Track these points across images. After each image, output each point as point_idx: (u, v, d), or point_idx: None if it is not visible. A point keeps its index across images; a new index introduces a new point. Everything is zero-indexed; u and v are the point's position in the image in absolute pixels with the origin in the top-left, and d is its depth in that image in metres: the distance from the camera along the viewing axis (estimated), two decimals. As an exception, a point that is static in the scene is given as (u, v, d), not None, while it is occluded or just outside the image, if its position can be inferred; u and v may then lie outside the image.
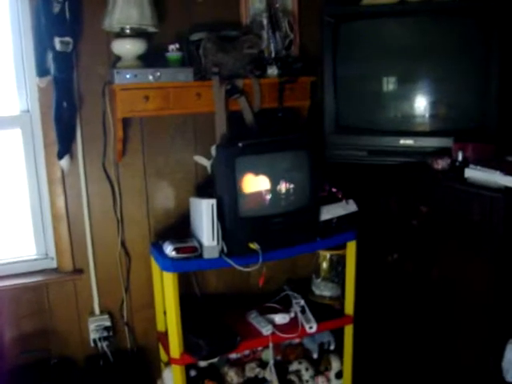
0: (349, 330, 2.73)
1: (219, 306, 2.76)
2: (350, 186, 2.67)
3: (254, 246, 2.32)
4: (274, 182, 2.36)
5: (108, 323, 2.64)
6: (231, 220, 2.29)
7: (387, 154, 2.51)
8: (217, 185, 2.33)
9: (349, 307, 2.71)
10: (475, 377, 2.22)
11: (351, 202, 2.61)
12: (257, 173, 2.33)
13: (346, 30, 2.49)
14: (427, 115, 2.50)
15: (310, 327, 2.58)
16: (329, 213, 2.55)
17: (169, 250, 2.30)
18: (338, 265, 2.74)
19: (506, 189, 2.05)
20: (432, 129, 2.49)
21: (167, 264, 2.30)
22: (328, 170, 2.64)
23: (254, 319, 2.62)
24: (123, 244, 2.64)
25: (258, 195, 2.34)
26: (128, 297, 2.70)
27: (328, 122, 2.60)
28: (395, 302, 2.60)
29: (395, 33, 2.47)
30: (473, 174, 2.16)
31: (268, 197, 2.35)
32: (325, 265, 2.76)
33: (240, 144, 2.24)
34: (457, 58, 2.39)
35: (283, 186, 2.37)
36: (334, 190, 2.63)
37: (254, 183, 2.33)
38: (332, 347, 2.85)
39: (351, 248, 2.64)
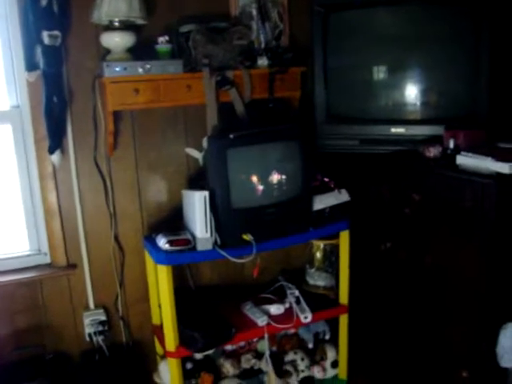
0: (344, 320, 2.74)
1: (214, 297, 2.76)
2: (343, 175, 2.68)
3: (247, 237, 2.32)
4: (266, 173, 2.35)
5: (103, 317, 2.64)
6: (224, 212, 2.29)
7: (379, 142, 2.51)
8: (209, 177, 2.32)
9: (343, 297, 2.72)
10: (469, 363, 2.24)
11: (343, 191, 2.62)
12: (248, 164, 2.33)
13: (335, 19, 2.48)
14: (418, 103, 2.50)
15: (305, 317, 2.58)
16: (321, 203, 2.55)
17: (162, 242, 2.29)
18: (332, 254, 2.75)
19: (498, 175, 2.07)
20: (423, 117, 2.49)
21: (161, 257, 2.30)
22: (320, 160, 2.65)
23: (249, 310, 2.62)
24: (116, 238, 2.63)
25: (251, 186, 2.34)
26: (122, 291, 2.69)
27: (319, 111, 2.60)
28: (389, 290, 2.61)
29: (385, 22, 2.47)
30: (464, 160, 2.17)
31: (260, 187, 2.34)
32: (318, 255, 2.77)
33: (231, 135, 2.24)
34: (447, 47, 2.39)
35: (275, 177, 2.37)
36: (326, 179, 2.63)
37: (246, 174, 2.33)
38: (327, 337, 2.86)
39: (344, 237, 2.64)
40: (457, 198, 2.15)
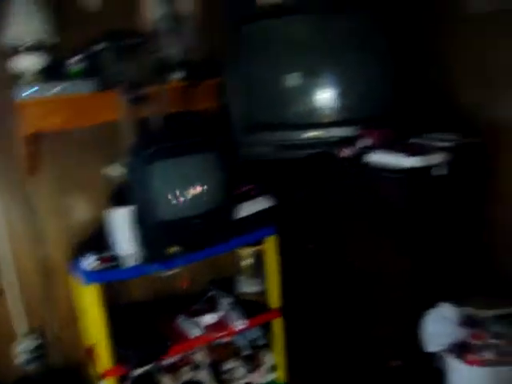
0: (277, 324, 2.79)
1: (148, 313, 2.75)
2: (267, 181, 2.74)
3: (172, 249, 2.34)
4: (188, 185, 2.38)
5: (36, 343, 2.59)
6: (148, 226, 2.31)
7: (298, 147, 2.58)
8: (131, 193, 2.33)
9: (274, 301, 2.77)
10: (401, 353, 2.32)
11: (267, 197, 2.68)
12: (169, 177, 2.35)
13: (248, 30, 2.54)
14: (332, 107, 2.58)
15: (238, 324, 2.62)
16: (245, 210, 2.60)
17: (88, 262, 2.29)
18: (260, 260, 2.80)
19: (409, 169, 2.17)
20: (338, 119, 2.57)
21: (87, 277, 2.29)
22: (245, 168, 2.70)
23: (183, 323, 2.64)
24: (43, 261, 2.60)
25: (173, 198, 2.36)
26: (54, 314, 2.66)
27: (238, 121, 2.66)
28: (319, 291, 2.68)
29: (296, 30, 2.54)
30: (376, 158, 2.25)
31: (183, 199, 2.37)
32: (247, 261, 2.81)
33: (149, 150, 2.26)
34: (356, 52, 2.49)
35: (197, 188, 2.40)
36: (249, 187, 2.69)
37: (168, 187, 2.35)
38: (263, 342, 2.90)
39: (271, 243, 2.70)
40: (372, 195, 2.25)
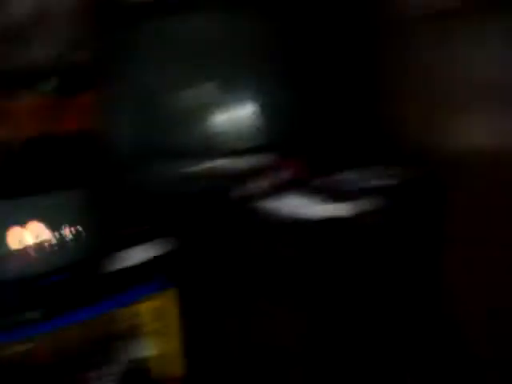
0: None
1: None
2: (162, 221, 2.19)
3: (27, 315, 1.79)
4: (44, 232, 1.82)
5: None
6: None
7: (192, 180, 2.04)
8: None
9: (174, 367, 2.23)
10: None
11: (163, 240, 2.14)
12: (15, 223, 1.79)
13: (126, 34, 1.97)
14: (237, 131, 2.02)
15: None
16: (129, 258, 2.06)
17: None
18: (160, 317, 2.26)
19: (329, 218, 1.66)
20: (244, 146, 2.01)
21: None
22: (133, 204, 2.15)
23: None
24: None
25: (23, 251, 1.80)
26: None
27: (122, 146, 2.09)
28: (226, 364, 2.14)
29: (183, 34, 1.98)
30: (277, 204, 1.73)
31: (34, 251, 1.81)
32: (138, 321, 2.27)
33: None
34: (261, 61, 1.95)
35: (56, 236, 1.84)
36: (139, 228, 2.14)
37: (15, 236, 1.79)
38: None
39: (169, 297, 2.15)
40: (275, 253, 1.72)
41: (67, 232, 1.86)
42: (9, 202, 1.78)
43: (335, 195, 1.69)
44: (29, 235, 1.81)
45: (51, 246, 1.84)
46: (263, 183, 1.87)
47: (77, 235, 1.88)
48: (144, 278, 2.08)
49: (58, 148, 2.02)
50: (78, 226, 1.87)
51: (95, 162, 2.02)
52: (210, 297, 2.11)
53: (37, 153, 1.96)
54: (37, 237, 1.82)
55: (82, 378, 2.15)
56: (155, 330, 2.26)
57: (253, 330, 1.86)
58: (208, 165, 1.97)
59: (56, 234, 1.84)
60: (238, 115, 2.04)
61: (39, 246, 1.81)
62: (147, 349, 2.26)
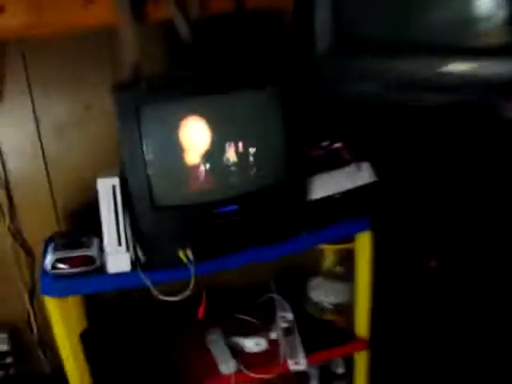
0: (361, 358, 1.81)
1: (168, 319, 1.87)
2: (365, 139, 1.66)
3: (183, 255, 1.39)
4: (217, 146, 1.36)
5: (6, 347, 1.82)
6: (144, 211, 1.36)
7: (425, 87, 1.43)
8: (122, 153, 1.37)
9: (361, 326, 1.77)
10: None
11: (366, 166, 1.61)
12: (183, 130, 1.34)
13: None
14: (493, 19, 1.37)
15: (296, 363, 1.67)
16: (326, 186, 1.56)
17: (48, 260, 1.40)
18: (347, 262, 1.78)
19: None
20: (500, 44, 1.36)
21: (46, 283, 1.41)
22: (326, 115, 1.64)
23: (215, 345, 1.72)
24: (19, 235, 1.77)
25: (189, 169, 1.37)
26: (36, 307, 1.85)
27: (322, 35, 1.52)
28: (425, 320, 1.63)
29: None
30: None
31: (204, 171, 1.37)
32: (326, 261, 1.81)
33: (143, 83, 1.26)
34: None
35: (233, 152, 1.38)
36: (336, 146, 1.63)
37: (180, 149, 1.35)
38: (340, 371, 1.95)
39: (363, 242, 1.66)
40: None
41: (242, 149, 1.39)
42: (167, 106, 1.32)
43: None
44: (191, 151, 1.36)
45: (221, 168, 1.38)
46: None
47: (255, 154, 1.40)
48: (335, 217, 1.58)
49: (242, 30, 1.51)
50: (263, 142, 1.40)
51: (289, 53, 1.50)
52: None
53: (215, 35, 1.48)
54: (200, 154, 1.37)
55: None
56: (343, 275, 1.81)
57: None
58: (454, 67, 1.35)
59: (228, 151, 1.38)
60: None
61: (204, 167, 1.37)
62: (331, 293, 1.82)
